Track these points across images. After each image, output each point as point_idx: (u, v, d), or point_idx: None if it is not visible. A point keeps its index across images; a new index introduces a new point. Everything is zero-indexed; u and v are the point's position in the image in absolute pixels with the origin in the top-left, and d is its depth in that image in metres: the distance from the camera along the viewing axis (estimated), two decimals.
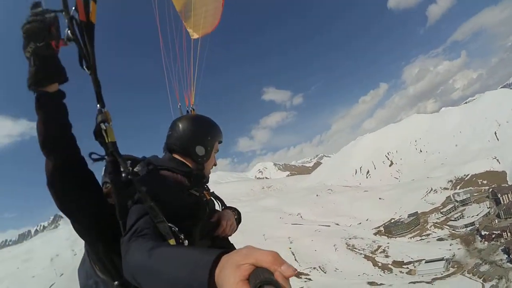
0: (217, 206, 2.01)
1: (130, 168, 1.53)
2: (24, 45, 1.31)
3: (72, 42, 1.39)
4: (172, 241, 1.29)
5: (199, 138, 1.82)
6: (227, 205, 2.10)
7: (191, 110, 2.56)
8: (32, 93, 1.39)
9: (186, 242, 1.37)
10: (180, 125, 1.83)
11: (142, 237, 1.24)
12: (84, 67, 1.43)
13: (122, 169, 1.48)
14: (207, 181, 1.94)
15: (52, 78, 1.38)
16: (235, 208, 2.11)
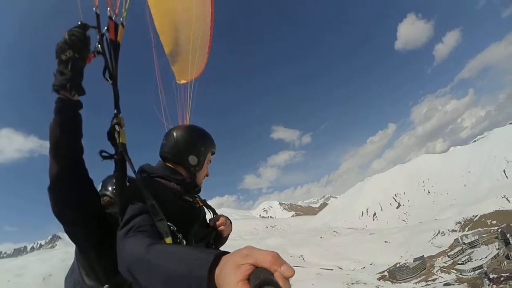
0: (209, 215, 2.05)
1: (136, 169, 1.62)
2: (62, 49, 1.45)
3: (99, 56, 1.61)
4: (169, 240, 1.33)
5: (192, 147, 1.87)
6: (220, 215, 2.12)
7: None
8: (56, 95, 1.49)
9: (184, 242, 1.46)
10: (174, 134, 1.90)
11: (141, 233, 1.26)
12: (108, 77, 1.64)
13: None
14: (199, 190, 1.99)
15: (80, 88, 1.51)
16: (227, 217, 2.14)
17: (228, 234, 2.12)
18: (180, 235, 1.46)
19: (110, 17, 1.67)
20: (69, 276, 1.87)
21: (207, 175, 2.04)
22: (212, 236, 1.96)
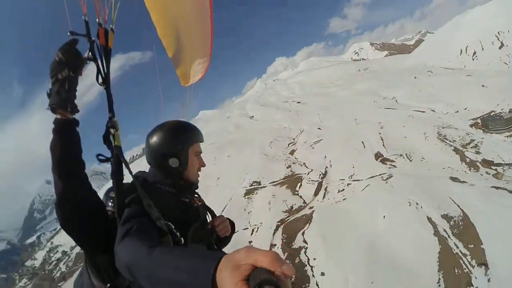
0: (208, 217, 1.98)
1: (132, 171, 1.63)
2: (57, 69, 1.48)
3: (91, 62, 1.62)
4: (167, 238, 1.37)
5: (168, 150, 1.78)
6: (218, 216, 2.05)
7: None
8: (53, 115, 1.52)
9: (182, 240, 1.46)
10: (149, 140, 1.82)
11: (140, 233, 1.26)
12: (100, 82, 1.64)
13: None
14: (196, 187, 1.93)
15: (76, 107, 1.55)
16: (227, 218, 2.08)
17: (231, 235, 2.07)
18: (178, 233, 1.46)
19: (100, 24, 1.66)
20: (78, 279, 1.97)
21: (202, 165, 1.94)
22: (213, 237, 1.93)
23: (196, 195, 1.95)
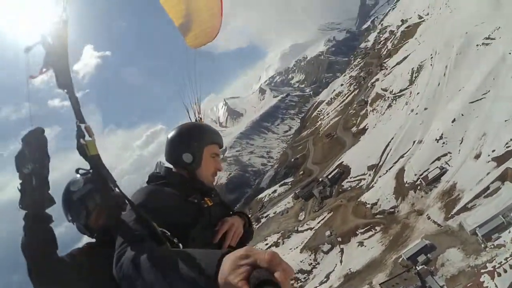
0: (224, 214, 1.83)
1: (115, 180, 1.50)
2: (21, 162, 1.41)
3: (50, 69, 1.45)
4: (166, 246, 1.29)
5: (184, 145, 1.80)
6: (236, 211, 1.97)
7: (199, 119, 2.59)
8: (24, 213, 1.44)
9: (180, 245, 1.37)
10: (169, 137, 1.86)
11: (136, 243, 1.22)
12: (61, 87, 1.45)
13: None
14: (208, 189, 1.86)
15: (50, 200, 1.49)
16: (244, 214, 1.97)
17: (249, 230, 1.93)
18: (175, 240, 1.36)
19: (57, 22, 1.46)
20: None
21: (218, 170, 1.92)
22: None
23: (210, 195, 1.87)
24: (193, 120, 2.60)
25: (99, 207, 1.92)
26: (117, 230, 1.36)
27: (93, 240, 1.93)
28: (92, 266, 1.69)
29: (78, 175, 1.90)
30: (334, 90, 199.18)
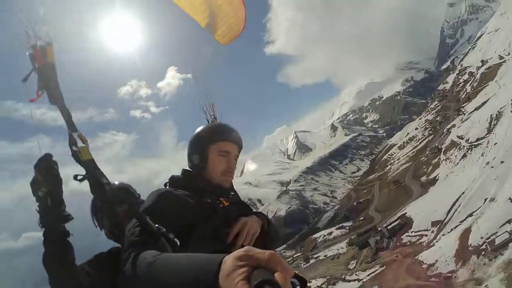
0: (241, 214, 1.75)
1: (110, 182, 1.57)
2: (35, 187, 1.53)
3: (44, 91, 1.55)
4: (162, 242, 1.32)
5: (193, 147, 1.82)
6: (255, 212, 1.89)
7: (212, 119, 2.57)
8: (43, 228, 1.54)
9: (177, 241, 1.39)
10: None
11: (139, 248, 1.23)
12: (52, 103, 1.54)
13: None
14: (220, 188, 1.80)
15: (66, 217, 1.58)
16: (262, 214, 1.90)
17: (268, 230, 1.83)
18: (172, 236, 1.38)
19: (34, 46, 1.54)
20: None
21: (230, 168, 1.81)
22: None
23: (227, 196, 1.83)
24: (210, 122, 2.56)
25: (123, 212, 2.01)
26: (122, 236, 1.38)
27: (119, 245, 1.99)
28: (113, 271, 1.70)
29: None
30: (408, 134, 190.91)
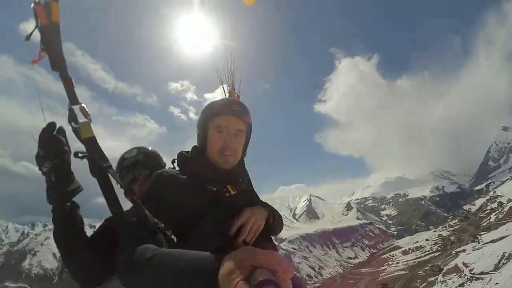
0: (247, 204, 1.55)
1: (110, 163, 1.38)
2: (40, 163, 1.37)
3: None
4: (159, 237, 1.24)
5: (197, 125, 1.66)
6: (262, 202, 1.70)
7: (232, 91, 2.30)
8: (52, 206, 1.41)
9: (174, 238, 1.31)
10: None
11: (136, 243, 1.12)
12: (54, 69, 1.36)
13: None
14: (218, 170, 1.57)
15: (74, 190, 1.42)
16: (267, 205, 1.67)
17: (274, 223, 1.64)
18: (169, 232, 1.30)
19: (37, 1, 1.35)
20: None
21: (226, 145, 1.56)
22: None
23: (235, 182, 1.62)
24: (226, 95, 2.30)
25: (143, 177, 2.07)
26: (118, 228, 1.25)
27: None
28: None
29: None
30: (417, 242, 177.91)
